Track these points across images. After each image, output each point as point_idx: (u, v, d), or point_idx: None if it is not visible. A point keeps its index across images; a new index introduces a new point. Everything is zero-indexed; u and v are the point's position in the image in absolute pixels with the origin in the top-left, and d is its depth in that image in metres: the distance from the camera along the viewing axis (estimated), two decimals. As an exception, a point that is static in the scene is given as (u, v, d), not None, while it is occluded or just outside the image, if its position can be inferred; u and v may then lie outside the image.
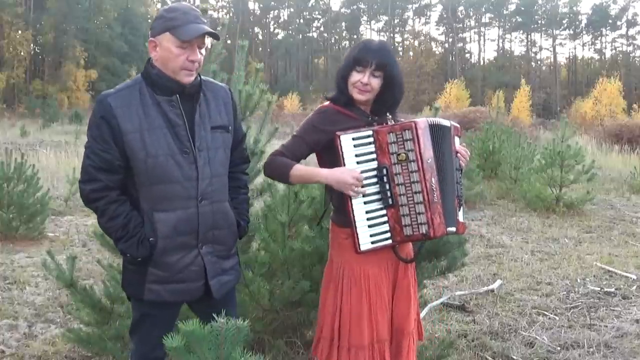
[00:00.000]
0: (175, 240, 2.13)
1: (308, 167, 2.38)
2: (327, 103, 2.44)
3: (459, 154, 2.48)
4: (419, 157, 2.26)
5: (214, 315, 1.50)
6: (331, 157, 2.35)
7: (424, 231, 2.30)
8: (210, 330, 1.47)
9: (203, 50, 2.16)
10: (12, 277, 5.36)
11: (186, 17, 2.08)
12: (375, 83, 2.34)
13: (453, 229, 2.40)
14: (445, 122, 2.43)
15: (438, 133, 2.36)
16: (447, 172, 2.38)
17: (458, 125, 2.52)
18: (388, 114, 2.46)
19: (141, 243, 2.10)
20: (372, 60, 2.32)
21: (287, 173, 2.34)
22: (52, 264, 3.24)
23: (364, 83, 2.33)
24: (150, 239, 2.11)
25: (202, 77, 2.24)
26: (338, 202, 2.41)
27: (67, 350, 3.66)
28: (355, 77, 2.35)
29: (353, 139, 2.29)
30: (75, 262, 3.22)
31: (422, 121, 2.31)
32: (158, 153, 2.08)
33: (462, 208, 2.49)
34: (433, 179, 2.29)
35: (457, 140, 2.49)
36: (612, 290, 5.27)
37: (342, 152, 2.29)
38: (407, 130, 2.26)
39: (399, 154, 2.28)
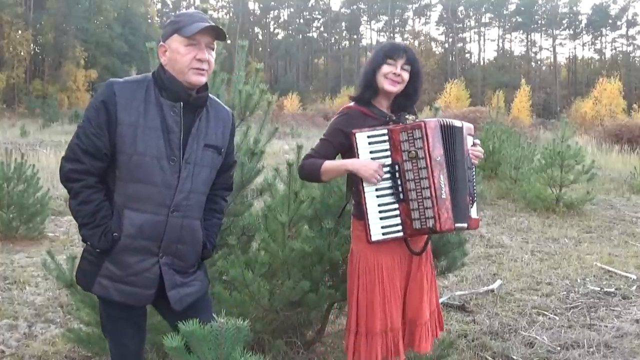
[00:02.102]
0: (138, 242, 2.12)
1: (335, 161, 2.56)
2: (350, 104, 2.60)
3: (471, 153, 2.59)
4: (427, 154, 2.41)
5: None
6: (351, 156, 2.52)
7: (431, 225, 2.43)
8: (210, 330, 1.47)
9: (213, 53, 2.18)
10: (12, 277, 5.35)
11: (191, 18, 2.16)
12: (406, 75, 2.54)
13: (464, 224, 2.54)
14: (457, 123, 2.56)
15: (449, 133, 2.49)
16: (457, 170, 2.50)
17: (471, 125, 2.64)
18: (407, 115, 2.57)
19: (104, 235, 2.11)
20: (403, 54, 2.52)
21: (318, 171, 2.52)
22: (52, 264, 3.24)
23: (397, 74, 2.51)
24: (115, 233, 2.11)
25: (211, 95, 2.27)
26: (357, 196, 2.56)
27: (67, 350, 3.66)
28: (386, 69, 2.52)
29: (368, 136, 2.47)
30: (75, 262, 3.22)
31: (433, 121, 2.46)
32: (146, 153, 2.09)
33: (475, 204, 2.61)
34: (442, 176, 2.42)
35: (470, 139, 2.61)
36: (612, 290, 5.26)
37: (357, 149, 2.47)
38: (416, 129, 2.42)
39: (409, 152, 2.43)
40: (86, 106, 2.15)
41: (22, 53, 54.79)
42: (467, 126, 2.60)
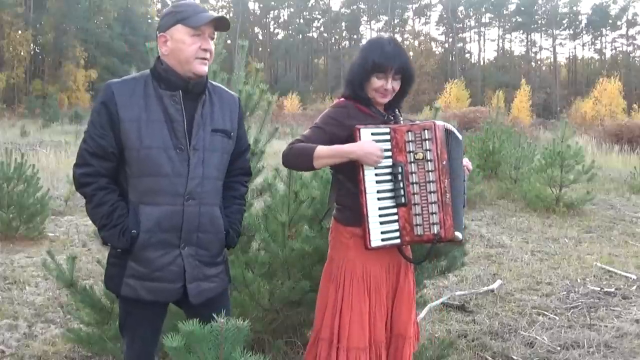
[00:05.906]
0: (157, 236, 2.12)
1: (331, 146, 2.30)
2: (343, 99, 2.44)
3: (465, 166, 2.54)
4: (436, 157, 2.28)
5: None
6: None
7: (436, 231, 2.29)
8: (210, 330, 1.47)
9: (213, 43, 2.20)
10: (12, 277, 5.36)
11: (195, 8, 2.16)
12: (397, 85, 2.39)
13: (460, 235, 2.40)
14: (459, 134, 2.47)
15: (453, 139, 2.40)
16: (457, 179, 2.41)
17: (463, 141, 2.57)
18: (400, 114, 2.50)
19: (123, 234, 2.10)
20: (393, 66, 2.34)
21: (311, 155, 2.27)
22: (52, 264, 3.24)
23: (387, 89, 2.37)
24: (133, 231, 2.10)
25: (213, 82, 2.28)
26: (346, 200, 2.41)
27: (67, 350, 3.66)
28: (376, 83, 2.36)
29: (372, 134, 2.30)
30: (75, 262, 3.22)
31: (441, 124, 2.35)
32: (152, 145, 2.10)
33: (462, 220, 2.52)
34: (447, 181, 2.31)
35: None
36: (612, 290, 5.27)
37: None
38: (426, 130, 2.29)
39: (416, 153, 2.30)
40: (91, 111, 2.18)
41: (22, 53, 54.76)
42: (462, 140, 2.52)
